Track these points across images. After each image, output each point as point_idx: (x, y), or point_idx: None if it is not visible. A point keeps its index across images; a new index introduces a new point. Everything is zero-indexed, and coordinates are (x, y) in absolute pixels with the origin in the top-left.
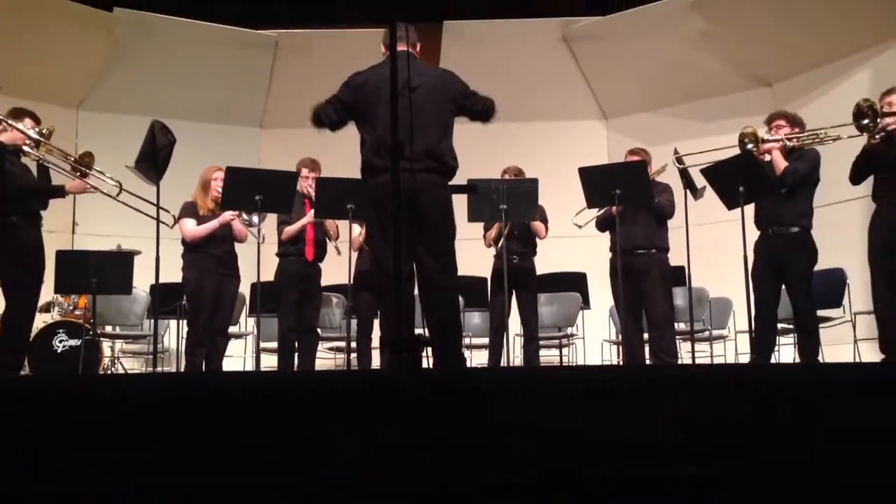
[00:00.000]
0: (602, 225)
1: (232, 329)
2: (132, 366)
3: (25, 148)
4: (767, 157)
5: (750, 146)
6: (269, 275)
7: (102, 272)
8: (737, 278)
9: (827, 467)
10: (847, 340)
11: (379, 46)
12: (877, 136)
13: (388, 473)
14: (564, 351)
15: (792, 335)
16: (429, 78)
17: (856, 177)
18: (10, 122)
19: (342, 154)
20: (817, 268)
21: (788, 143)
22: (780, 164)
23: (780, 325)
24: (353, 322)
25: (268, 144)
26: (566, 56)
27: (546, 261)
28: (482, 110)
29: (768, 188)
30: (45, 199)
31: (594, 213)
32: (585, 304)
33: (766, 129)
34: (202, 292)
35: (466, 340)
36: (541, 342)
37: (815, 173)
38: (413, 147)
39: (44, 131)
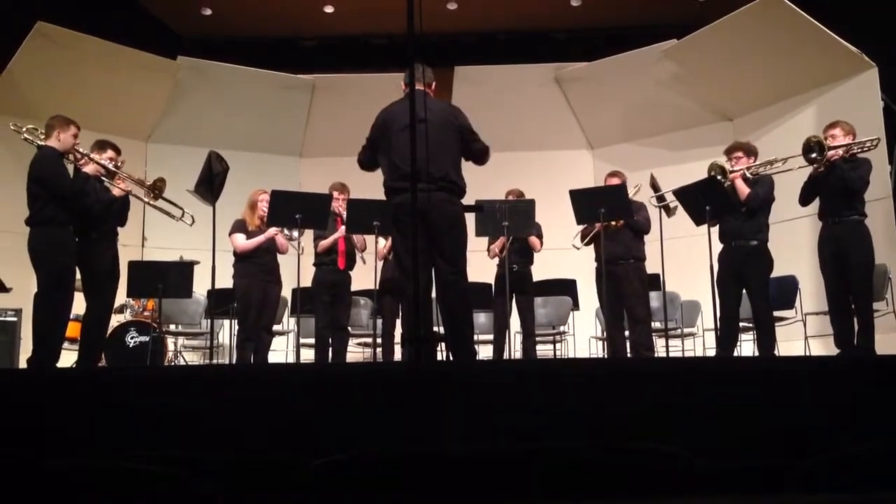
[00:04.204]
0: (590, 240)
1: (275, 327)
2: (192, 358)
3: (103, 177)
4: (735, 181)
5: (718, 177)
6: (306, 281)
7: (167, 279)
8: (704, 284)
9: (778, 442)
10: (799, 337)
11: (399, 86)
12: (821, 168)
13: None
14: (558, 346)
15: (752, 332)
16: (438, 112)
17: (803, 199)
18: (90, 155)
19: (368, 178)
20: (773, 275)
21: (749, 174)
22: (744, 190)
23: (741, 324)
24: (379, 321)
25: (306, 171)
26: (558, 95)
27: (541, 269)
28: (479, 151)
29: (730, 207)
30: (119, 215)
31: (588, 236)
32: (575, 306)
33: (726, 159)
34: (250, 296)
35: (474, 337)
36: (537, 338)
37: (772, 195)
38: (425, 170)
39: (118, 164)
